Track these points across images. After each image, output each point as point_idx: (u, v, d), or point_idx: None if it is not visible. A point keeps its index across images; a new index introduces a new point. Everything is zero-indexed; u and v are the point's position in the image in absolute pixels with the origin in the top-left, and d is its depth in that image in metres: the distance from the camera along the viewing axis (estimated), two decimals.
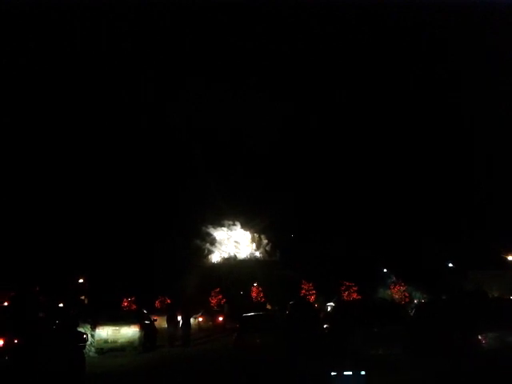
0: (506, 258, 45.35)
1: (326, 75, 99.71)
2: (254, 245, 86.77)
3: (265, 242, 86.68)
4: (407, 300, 45.41)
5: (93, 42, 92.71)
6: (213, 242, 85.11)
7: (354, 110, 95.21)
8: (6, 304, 20.68)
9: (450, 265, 50.53)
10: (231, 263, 77.41)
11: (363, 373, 5.79)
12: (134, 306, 44.61)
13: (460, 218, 63.09)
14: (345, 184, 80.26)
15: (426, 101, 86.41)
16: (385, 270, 53.46)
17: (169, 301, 49.78)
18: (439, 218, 65.10)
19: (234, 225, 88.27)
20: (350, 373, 5.79)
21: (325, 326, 16.18)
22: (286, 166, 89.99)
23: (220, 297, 53.32)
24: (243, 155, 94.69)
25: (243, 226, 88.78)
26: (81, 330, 15.92)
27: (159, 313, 31.86)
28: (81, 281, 47.99)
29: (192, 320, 25.19)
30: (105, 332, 18.46)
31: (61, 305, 33.19)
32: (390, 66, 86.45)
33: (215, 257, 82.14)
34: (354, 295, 49.22)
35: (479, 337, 11.76)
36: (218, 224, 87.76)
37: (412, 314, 17.60)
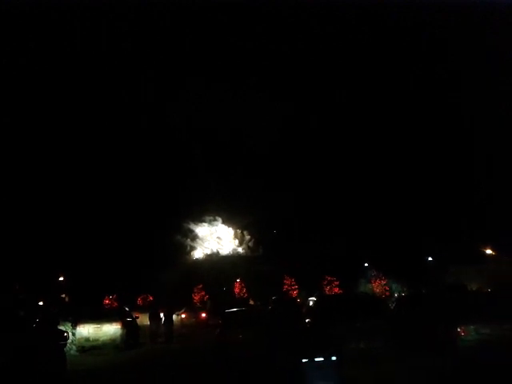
0: (485, 252, 46.14)
1: (325, 75, 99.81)
2: (237, 241, 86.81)
3: (247, 237, 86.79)
4: (387, 294, 45.91)
5: (93, 42, 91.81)
6: (195, 238, 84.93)
7: (353, 109, 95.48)
8: None
9: (430, 259, 51.17)
10: (214, 259, 77.31)
11: (334, 358, 5.78)
12: (115, 304, 44.28)
13: (441, 212, 63.99)
14: (327, 179, 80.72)
15: (425, 101, 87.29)
16: (366, 264, 53.94)
17: (151, 298, 49.58)
18: (420, 213, 65.94)
19: (216, 220, 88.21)
20: (322, 359, 5.78)
21: (307, 320, 16.28)
22: (278, 165, 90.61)
23: (203, 293, 53.25)
24: (242, 155, 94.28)
25: (226, 222, 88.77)
26: (62, 328, 15.76)
27: (141, 310, 31.70)
28: (61, 278, 47.49)
29: (175, 317, 25.16)
30: (86, 330, 18.28)
31: (41, 303, 32.86)
32: (390, 65, 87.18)
33: (198, 253, 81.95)
34: (336, 290, 49.63)
35: (458, 329, 11.98)
36: (200, 220, 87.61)
37: (393, 307, 17.82)
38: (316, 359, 5.76)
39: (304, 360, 5.78)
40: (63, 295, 45.09)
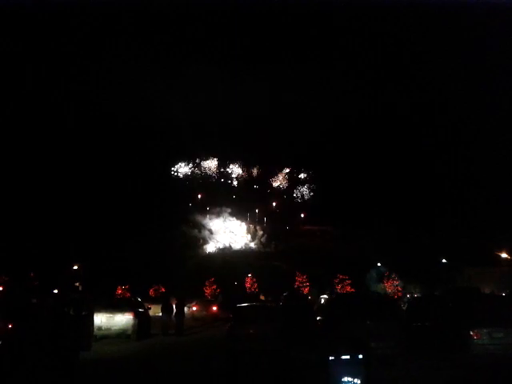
0: (499, 256, 45.62)
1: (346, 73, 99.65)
2: (250, 236, 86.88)
3: (260, 233, 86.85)
4: (400, 294, 45.65)
5: (92, 42, 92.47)
6: (208, 231, 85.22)
7: (353, 109, 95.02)
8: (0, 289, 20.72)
9: (444, 261, 50.73)
10: (226, 253, 77.47)
11: (361, 356, 5.81)
12: (127, 294, 44.64)
13: (455, 214, 63.48)
14: (343, 177, 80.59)
15: (425, 101, 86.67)
16: (379, 264, 53.68)
17: (163, 289, 49.87)
18: (434, 214, 65.49)
19: (226, 212, 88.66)
20: (348, 357, 5.81)
21: (318, 318, 16.25)
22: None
23: (214, 287, 53.38)
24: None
25: (239, 217, 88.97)
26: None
27: (153, 301, 31.94)
28: (75, 268, 48.03)
29: (186, 309, 25.27)
30: (99, 319, 18.43)
31: (55, 291, 33.28)
32: (393, 65, 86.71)
33: (210, 247, 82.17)
34: (348, 288, 49.43)
35: (471, 332, 11.87)
36: (213, 213, 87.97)
37: (405, 308, 17.70)
38: (343, 357, 5.79)
39: (331, 357, 5.80)
40: (77, 284, 45.59)
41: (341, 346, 5.91)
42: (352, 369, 5.73)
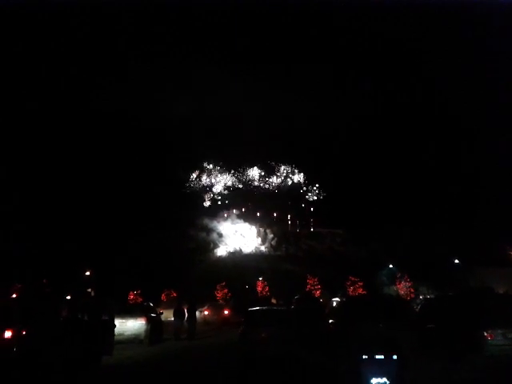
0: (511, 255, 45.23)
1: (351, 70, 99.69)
2: (260, 239, 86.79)
3: (270, 236, 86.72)
4: (412, 296, 45.32)
5: (92, 42, 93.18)
6: (218, 235, 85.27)
7: (353, 109, 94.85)
8: (14, 296, 20.82)
9: (456, 261, 50.33)
10: (237, 257, 77.41)
11: (395, 357, 5.75)
12: (139, 299, 44.75)
13: (466, 214, 63.04)
14: (349, 179, 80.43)
15: (425, 101, 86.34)
16: (390, 266, 53.35)
17: (175, 294, 49.92)
18: (446, 214, 65.08)
19: (234, 214, 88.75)
20: (382, 357, 5.75)
21: (330, 321, 16.19)
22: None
23: (226, 291, 53.36)
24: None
25: (249, 220, 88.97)
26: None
27: (165, 306, 31.99)
28: (87, 273, 48.24)
29: (198, 313, 25.30)
30: None
31: (68, 297, 33.41)
32: (393, 65, 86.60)
33: (221, 250, 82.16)
34: (360, 290, 49.18)
35: (485, 333, 11.77)
36: (222, 217, 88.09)
37: (418, 310, 17.60)
38: (376, 357, 5.75)
39: (364, 356, 5.77)
40: (89, 289, 45.78)
41: (374, 346, 5.85)
42: (385, 369, 5.66)
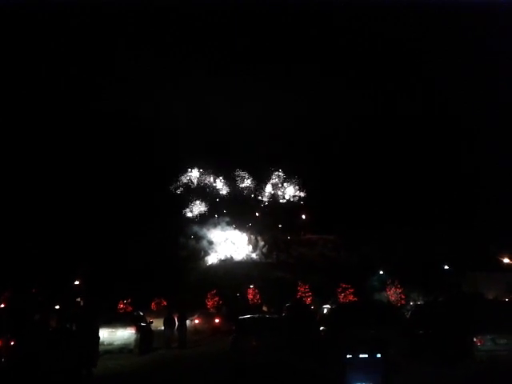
0: (502, 261, 45.51)
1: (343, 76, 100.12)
2: (251, 246, 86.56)
3: (261, 243, 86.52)
4: (403, 302, 45.41)
5: (91, 41, 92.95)
6: (208, 243, 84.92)
7: (352, 109, 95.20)
8: (1, 306, 20.62)
9: (446, 267, 50.52)
10: (228, 265, 77.14)
11: (379, 355, 5.74)
12: (129, 308, 44.43)
13: (456, 219, 63.34)
14: (340, 183, 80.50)
15: (425, 101, 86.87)
16: (381, 272, 53.48)
17: (165, 303, 49.63)
18: (436, 219, 65.33)
19: (225, 222, 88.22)
20: (366, 355, 5.75)
21: (321, 328, 16.19)
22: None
23: (217, 299, 53.12)
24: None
25: (239, 228, 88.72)
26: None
27: (155, 315, 31.76)
28: (77, 282, 47.87)
29: (188, 322, 25.16)
30: (101, 334, 18.35)
31: (57, 307, 33.16)
32: (392, 65, 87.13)
33: (212, 258, 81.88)
34: (350, 297, 49.19)
35: (475, 339, 11.83)
36: (213, 224, 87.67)
37: (408, 315, 17.65)
38: (360, 356, 5.75)
39: (348, 356, 5.76)
40: (78, 299, 45.42)
41: (359, 346, 5.84)
42: (370, 370, 5.63)
